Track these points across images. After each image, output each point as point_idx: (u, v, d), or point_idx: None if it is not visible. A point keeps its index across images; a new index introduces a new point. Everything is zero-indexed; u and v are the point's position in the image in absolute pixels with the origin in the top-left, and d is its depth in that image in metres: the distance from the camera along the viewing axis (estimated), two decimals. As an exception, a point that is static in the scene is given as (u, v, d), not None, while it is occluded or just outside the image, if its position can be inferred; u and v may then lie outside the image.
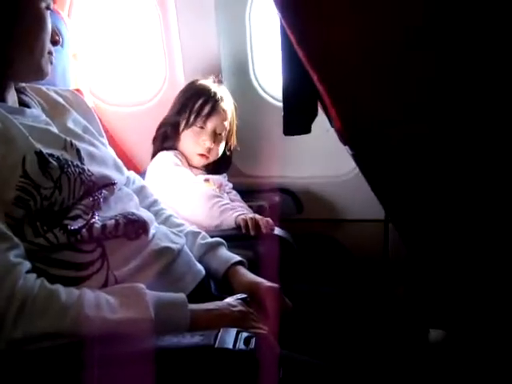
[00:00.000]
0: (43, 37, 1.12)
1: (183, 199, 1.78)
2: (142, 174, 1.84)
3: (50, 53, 1.15)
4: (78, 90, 1.85)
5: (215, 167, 2.04)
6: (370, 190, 2.11)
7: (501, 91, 0.71)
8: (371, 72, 0.78)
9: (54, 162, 1.04)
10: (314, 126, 2.22)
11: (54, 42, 1.16)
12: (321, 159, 2.24)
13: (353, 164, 2.20)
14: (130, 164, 1.98)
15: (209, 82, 1.98)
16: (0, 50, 1.06)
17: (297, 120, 1.05)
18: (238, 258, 1.33)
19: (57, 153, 1.07)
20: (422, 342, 1.47)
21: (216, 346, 0.87)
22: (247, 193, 2.09)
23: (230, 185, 2.05)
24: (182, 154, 1.97)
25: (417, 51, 0.73)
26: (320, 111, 1.05)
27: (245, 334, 0.91)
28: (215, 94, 1.94)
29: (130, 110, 2.27)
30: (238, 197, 2.01)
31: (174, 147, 1.97)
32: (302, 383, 1.00)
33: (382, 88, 0.78)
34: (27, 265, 0.95)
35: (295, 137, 2.18)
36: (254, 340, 0.90)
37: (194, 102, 1.92)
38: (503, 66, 0.70)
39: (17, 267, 0.92)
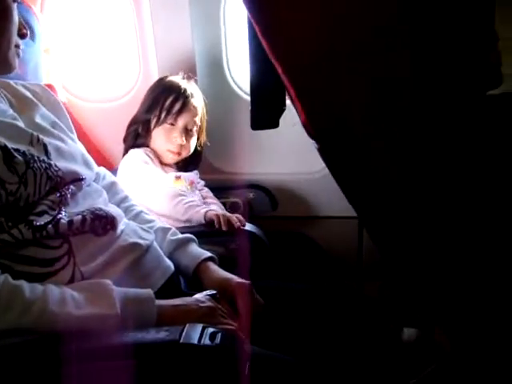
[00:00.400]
0: (9, 28, 1.10)
1: (150, 197, 1.79)
2: (114, 170, 1.83)
3: (17, 46, 1.14)
4: (50, 86, 1.83)
5: (186, 164, 2.03)
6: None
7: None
8: (332, 65, 0.78)
9: (20, 157, 1.02)
10: (285, 122, 2.23)
11: (22, 35, 1.15)
12: (295, 156, 2.23)
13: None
14: (103, 160, 1.97)
15: (178, 79, 1.98)
16: None
17: (264, 114, 1.04)
18: (208, 254, 1.32)
19: (23, 148, 1.06)
20: (395, 340, 1.48)
21: (181, 341, 0.87)
22: (221, 189, 2.09)
23: (202, 182, 2.05)
24: (153, 152, 1.96)
25: (380, 44, 0.72)
26: (290, 105, 1.05)
27: (211, 330, 0.90)
28: (185, 90, 1.93)
29: (103, 105, 2.25)
30: (211, 194, 2.01)
31: (144, 144, 1.96)
32: (272, 380, 0.99)
33: (343, 82, 0.78)
34: None
35: (269, 133, 2.17)
36: (219, 335, 0.89)
37: (165, 99, 1.92)
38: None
39: None
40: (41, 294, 0.94)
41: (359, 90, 0.78)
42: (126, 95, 2.20)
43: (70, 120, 1.34)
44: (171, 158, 1.97)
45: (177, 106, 1.91)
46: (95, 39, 2.30)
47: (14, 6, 1.11)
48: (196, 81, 2.02)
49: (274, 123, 1.05)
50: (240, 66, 2.23)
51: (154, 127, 1.93)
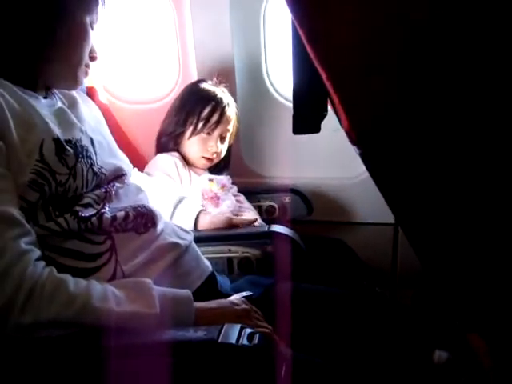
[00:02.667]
0: (84, 48, 1.15)
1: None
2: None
3: (86, 65, 1.19)
4: (91, 88, 1.86)
5: (216, 167, 2.04)
6: (380, 193, 2.10)
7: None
8: (379, 71, 0.78)
9: (71, 150, 1.06)
10: (325, 127, 2.23)
11: (92, 58, 1.19)
12: (332, 161, 2.23)
13: (363, 166, 2.19)
14: (142, 162, 1.98)
15: (212, 86, 1.97)
16: (41, 53, 1.09)
17: (306, 119, 1.05)
18: None
19: (74, 138, 1.10)
20: (425, 360, 1.46)
21: (219, 340, 0.88)
22: (257, 193, 2.10)
23: (235, 188, 2.06)
24: (182, 156, 1.97)
25: (423, 52, 0.73)
26: (330, 111, 1.05)
27: (248, 330, 0.91)
28: (222, 100, 1.93)
29: (143, 107, 2.28)
30: (243, 199, 2.02)
31: (174, 149, 1.97)
32: (304, 382, 1.00)
33: (389, 88, 0.78)
34: (37, 252, 0.96)
35: (307, 138, 2.18)
36: (257, 336, 0.90)
37: (202, 109, 1.90)
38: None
39: (27, 254, 0.93)
40: (84, 289, 0.96)
41: (406, 95, 0.78)
42: (166, 97, 2.22)
43: (104, 122, 1.38)
44: (204, 164, 1.98)
45: (214, 118, 1.90)
46: (136, 42, 2.33)
47: (90, 29, 1.16)
48: (227, 86, 2.02)
49: (315, 128, 1.06)
50: (279, 70, 2.23)
51: (190, 137, 1.93)
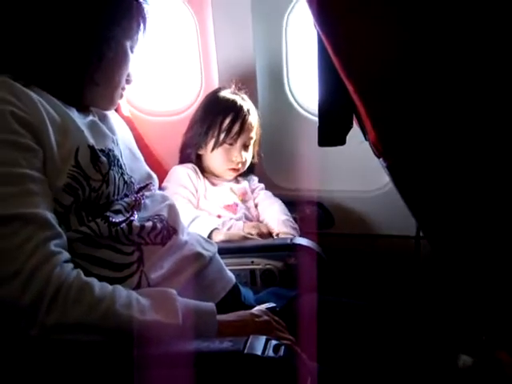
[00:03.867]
0: (123, 72, 1.19)
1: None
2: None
3: (123, 88, 1.23)
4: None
5: (240, 175, 2.04)
6: (401, 206, 2.10)
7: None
8: (406, 84, 0.79)
9: (104, 158, 1.09)
10: (347, 140, 2.22)
11: (127, 81, 1.23)
12: (353, 173, 2.23)
13: (385, 179, 2.19)
14: (164, 174, 1.99)
15: (232, 95, 1.95)
16: (89, 75, 1.13)
17: (332, 131, 1.05)
18: None
19: (106, 148, 1.13)
20: (450, 364, 1.45)
21: (245, 351, 0.88)
22: (279, 205, 2.10)
23: (261, 185, 2.08)
24: (206, 168, 1.97)
25: (450, 66, 0.73)
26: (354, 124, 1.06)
27: (274, 342, 0.91)
28: (242, 108, 1.91)
29: (165, 119, 2.29)
30: (270, 195, 2.05)
31: (196, 161, 1.97)
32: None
33: (417, 102, 0.78)
34: (66, 255, 0.98)
35: (328, 151, 2.19)
36: (283, 348, 0.90)
37: (222, 119, 1.89)
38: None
39: (56, 256, 0.94)
40: (109, 294, 0.97)
41: (434, 108, 0.78)
42: (188, 109, 2.23)
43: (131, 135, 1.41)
44: (230, 175, 1.97)
45: (236, 128, 1.89)
46: (158, 54, 2.34)
47: (131, 54, 1.20)
48: (247, 93, 2.01)
49: (340, 140, 1.06)
50: (300, 82, 2.24)
51: (213, 149, 1.92)
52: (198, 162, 1.97)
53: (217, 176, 1.98)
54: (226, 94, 1.96)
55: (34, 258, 0.91)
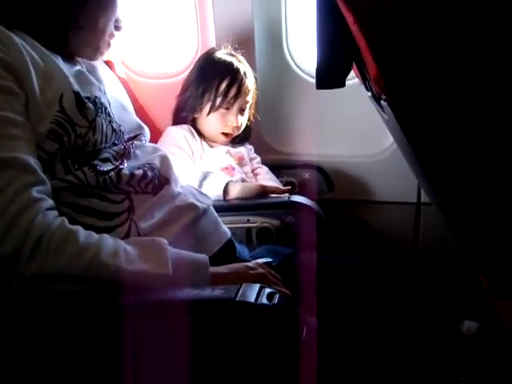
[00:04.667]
0: (109, 16, 1.15)
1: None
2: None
3: (111, 35, 1.19)
4: (109, 62, 1.83)
5: (236, 139, 1.97)
6: (403, 172, 2.07)
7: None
8: (408, 13, 0.74)
9: (90, 104, 1.06)
10: (346, 103, 2.18)
11: (116, 27, 1.19)
12: (354, 138, 2.19)
13: (385, 144, 2.15)
14: (158, 136, 1.95)
15: (228, 56, 1.89)
16: (72, 19, 1.09)
17: (330, 72, 1.00)
18: None
19: (93, 95, 1.09)
20: (453, 330, 1.42)
21: (237, 299, 0.84)
22: (277, 169, 2.06)
23: (258, 159, 2.03)
24: (199, 130, 1.91)
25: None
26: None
27: (268, 290, 0.88)
28: (239, 71, 1.84)
29: (161, 81, 2.23)
30: (266, 171, 1.98)
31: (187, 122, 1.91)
32: (326, 348, 0.96)
33: (418, 35, 0.74)
34: (49, 202, 0.94)
35: (327, 113, 2.16)
36: (277, 296, 0.86)
37: (219, 83, 1.83)
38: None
39: (38, 203, 0.91)
40: (95, 242, 0.94)
41: (436, 40, 0.74)
42: (184, 71, 2.17)
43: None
44: (223, 141, 1.92)
45: (232, 92, 1.83)
46: (154, 14, 2.29)
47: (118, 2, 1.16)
48: (244, 54, 1.95)
49: (339, 82, 1.01)
50: (300, 44, 2.18)
51: (208, 113, 1.86)
52: (194, 124, 1.92)
53: (209, 140, 1.93)
54: (222, 55, 1.89)
55: (13, 205, 0.88)
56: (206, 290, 0.90)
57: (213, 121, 1.87)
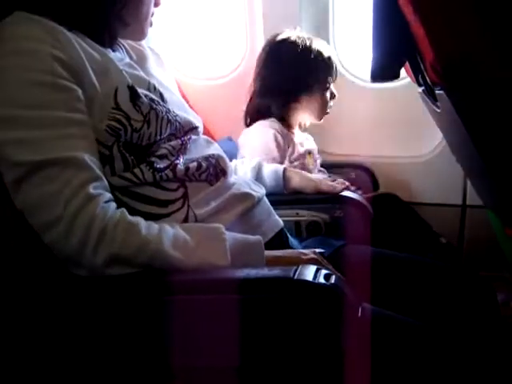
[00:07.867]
0: (148, 3, 1.15)
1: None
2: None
3: (152, 15, 1.18)
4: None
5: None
6: (448, 173, 2.07)
7: None
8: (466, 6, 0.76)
9: (144, 98, 1.06)
10: (394, 104, 2.19)
11: (156, 4, 1.19)
12: (400, 139, 2.20)
13: (433, 145, 2.15)
14: (208, 136, 1.98)
15: (321, 45, 1.85)
16: (110, 7, 1.08)
17: (385, 65, 1.02)
18: None
19: (143, 92, 1.09)
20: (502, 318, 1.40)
21: (295, 277, 0.86)
22: (324, 168, 2.08)
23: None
24: (282, 121, 1.87)
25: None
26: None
27: (324, 271, 0.89)
28: (332, 60, 1.86)
29: (210, 83, 2.29)
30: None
31: (271, 114, 1.87)
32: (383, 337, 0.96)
33: (476, 17, 0.75)
34: (107, 195, 0.97)
35: (373, 115, 2.17)
36: (334, 277, 0.88)
37: (318, 70, 1.83)
38: None
39: (96, 198, 0.93)
40: (156, 234, 0.95)
41: (492, 27, 0.76)
42: (232, 73, 2.22)
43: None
44: (305, 125, 1.96)
45: (330, 80, 1.87)
46: (204, 17, 2.34)
47: None
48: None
49: (394, 74, 1.03)
50: (346, 44, 2.21)
51: (306, 99, 1.86)
52: (284, 112, 1.88)
53: (292, 128, 1.92)
54: (317, 43, 1.85)
55: (74, 202, 0.91)
56: (264, 269, 0.93)
57: (307, 106, 1.89)
